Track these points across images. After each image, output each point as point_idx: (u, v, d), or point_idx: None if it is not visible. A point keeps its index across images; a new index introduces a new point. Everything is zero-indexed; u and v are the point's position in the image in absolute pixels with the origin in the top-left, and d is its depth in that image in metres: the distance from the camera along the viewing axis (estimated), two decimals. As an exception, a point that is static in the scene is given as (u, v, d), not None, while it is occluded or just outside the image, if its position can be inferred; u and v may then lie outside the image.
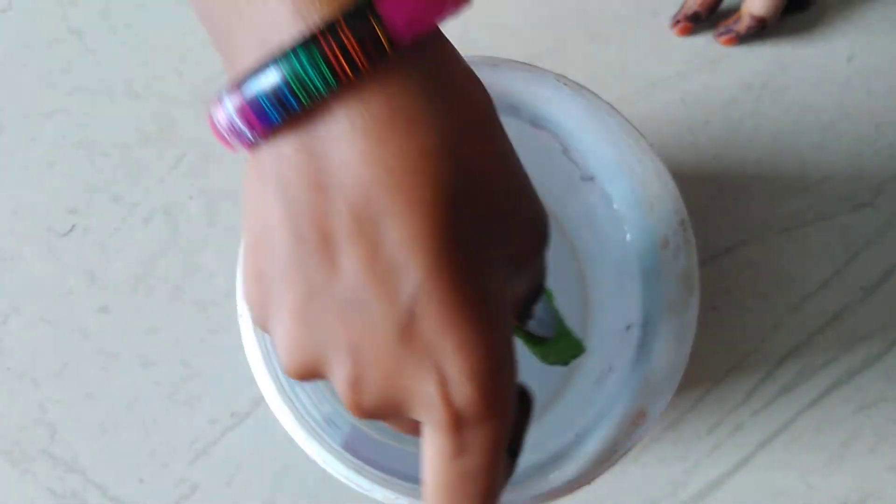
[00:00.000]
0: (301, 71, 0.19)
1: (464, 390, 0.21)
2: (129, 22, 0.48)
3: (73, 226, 0.46)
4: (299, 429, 0.32)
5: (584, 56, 0.48)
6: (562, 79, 0.35)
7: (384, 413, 0.22)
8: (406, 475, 0.35)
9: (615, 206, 0.40)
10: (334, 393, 0.41)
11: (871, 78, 0.48)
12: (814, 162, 0.47)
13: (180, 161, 0.47)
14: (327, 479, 0.34)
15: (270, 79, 0.19)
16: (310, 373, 0.23)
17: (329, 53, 0.19)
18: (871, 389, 0.46)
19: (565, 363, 0.38)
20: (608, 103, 0.35)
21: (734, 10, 0.47)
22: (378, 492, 0.32)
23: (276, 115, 0.19)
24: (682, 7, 0.47)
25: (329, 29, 0.19)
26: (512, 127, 0.39)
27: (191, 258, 0.46)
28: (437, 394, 0.21)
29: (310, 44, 0.19)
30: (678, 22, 0.48)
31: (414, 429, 0.25)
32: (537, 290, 0.26)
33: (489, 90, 0.37)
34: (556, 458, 0.36)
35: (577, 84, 0.35)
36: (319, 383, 0.40)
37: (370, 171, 0.20)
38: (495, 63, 0.34)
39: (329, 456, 0.32)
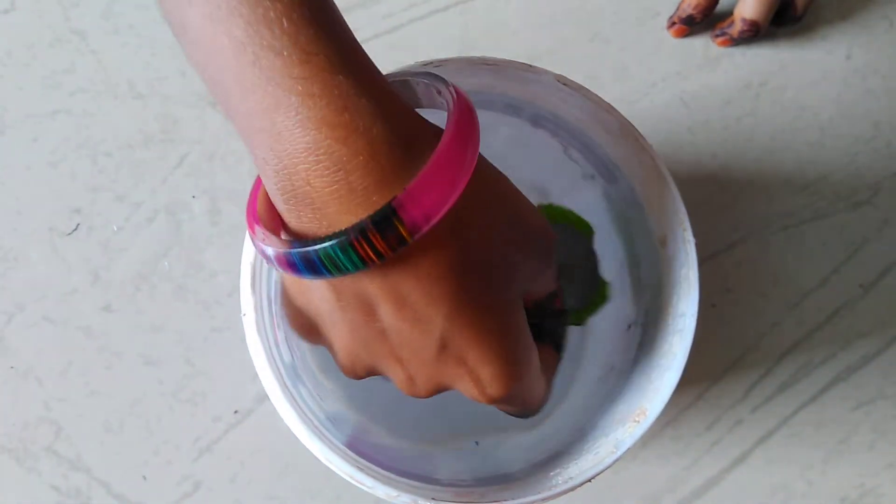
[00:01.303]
0: (334, 257, 0.23)
1: (492, 388, 0.27)
2: (132, 22, 0.48)
3: (77, 225, 0.46)
4: (302, 427, 0.33)
5: (583, 56, 0.48)
6: (562, 79, 0.35)
7: (437, 394, 0.29)
8: (408, 473, 0.35)
9: (615, 204, 0.40)
10: (337, 392, 0.41)
11: (869, 77, 0.48)
12: (812, 160, 0.48)
13: (183, 161, 0.47)
14: (330, 476, 0.34)
15: (307, 256, 0.23)
16: (366, 375, 0.29)
17: (359, 248, 0.23)
18: (869, 386, 0.46)
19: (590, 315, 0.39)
20: (608, 103, 0.35)
21: (730, 13, 0.47)
22: (380, 489, 0.32)
23: (308, 276, 0.24)
24: (677, 9, 0.48)
25: (360, 232, 0.23)
26: (512, 126, 0.40)
27: (194, 257, 0.46)
28: (474, 389, 0.27)
29: (344, 244, 0.23)
30: (673, 24, 0.48)
31: None
32: (553, 291, 0.32)
33: (490, 91, 0.37)
34: (558, 457, 0.36)
35: (577, 84, 0.35)
36: (323, 382, 0.41)
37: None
38: (496, 63, 0.35)
39: (332, 454, 0.32)
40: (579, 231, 0.38)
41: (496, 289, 0.26)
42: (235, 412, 0.46)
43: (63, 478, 0.45)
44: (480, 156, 0.26)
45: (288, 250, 0.24)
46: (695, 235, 0.35)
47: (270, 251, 0.24)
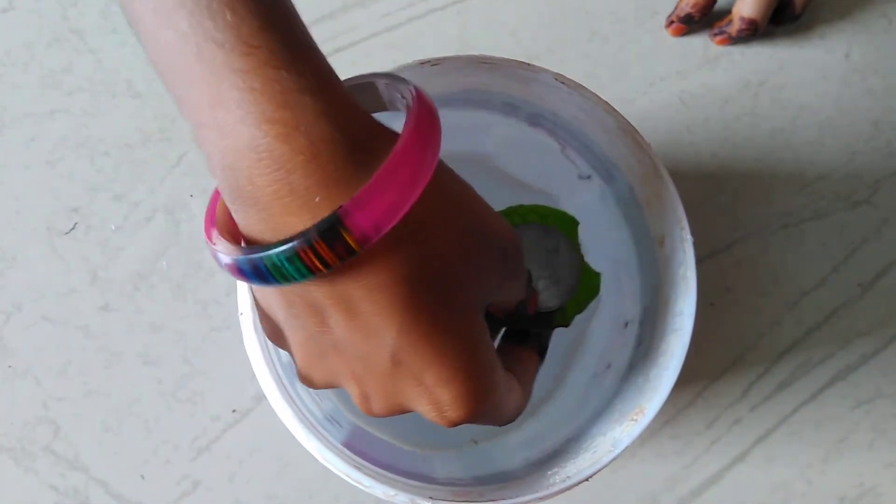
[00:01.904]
0: (280, 266, 0.22)
1: (453, 412, 0.26)
2: (130, 22, 0.48)
3: (75, 225, 0.46)
4: (300, 427, 0.33)
5: (582, 55, 0.48)
6: (560, 78, 0.35)
7: (394, 415, 0.27)
8: (406, 472, 0.35)
9: (613, 203, 0.40)
10: (335, 390, 0.41)
11: (869, 75, 0.48)
12: (811, 160, 0.48)
13: (181, 160, 0.47)
14: (328, 475, 0.34)
15: (254, 264, 0.23)
16: (324, 387, 0.27)
17: (304, 258, 0.22)
18: (868, 386, 0.46)
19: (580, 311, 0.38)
20: (606, 102, 0.35)
21: (728, 12, 0.47)
22: (378, 489, 0.32)
23: (257, 283, 0.23)
24: (676, 8, 0.48)
25: (306, 241, 0.22)
26: (510, 126, 0.40)
27: (192, 257, 0.46)
28: (433, 412, 0.26)
29: (290, 253, 0.22)
30: (672, 23, 0.48)
31: None
32: (523, 298, 0.31)
33: (487, 90, 0.37)
34: (555, 456, 0.36)
35: (576, 83, 0.35)
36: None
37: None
38: (494, 62, 0.35)
39: (330, 453, 0.32)
40: (558, 226, 0.38)
41: (454, 302, 0.25)
42: (234, 411, 0.46)
43: (61, 477, 0.45)
44: (440, 161, 0.25)
45: (235, 257, 0.23)
46: (693, 235, 0.35)
47: (220, 257, 0.24)
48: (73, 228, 0.46)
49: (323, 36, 0.48)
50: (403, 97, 0.25)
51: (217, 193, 0.26)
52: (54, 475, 0.45)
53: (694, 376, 0.46)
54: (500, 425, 0.30)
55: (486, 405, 0.26)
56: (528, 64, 0.35)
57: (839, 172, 0.48)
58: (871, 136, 0.48)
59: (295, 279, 0.23)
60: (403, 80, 0.26)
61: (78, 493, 0.45)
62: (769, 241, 0.47)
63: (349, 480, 0.33)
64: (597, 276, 0.38)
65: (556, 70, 0.35)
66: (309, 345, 0.26)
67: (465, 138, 0.41)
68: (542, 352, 0.34)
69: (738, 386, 0.46)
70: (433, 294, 0.24)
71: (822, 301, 0.47)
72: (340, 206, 0.22)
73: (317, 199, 0.22)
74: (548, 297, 0.36)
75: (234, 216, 0.24)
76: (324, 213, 0.22)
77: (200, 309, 0.46)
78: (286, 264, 0.22)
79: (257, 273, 0.23)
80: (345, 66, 0.47)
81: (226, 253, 0.24)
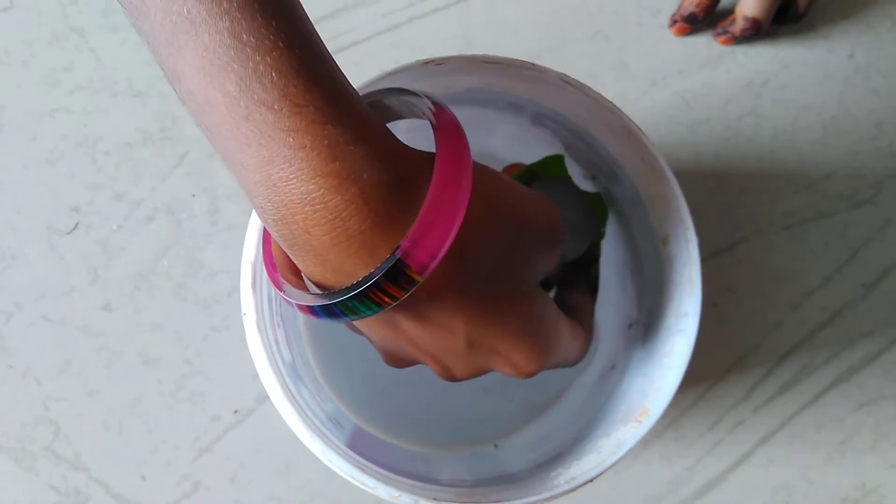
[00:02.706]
0: (352, 306, 0.24)
1: (528, 367, 0.29)
2: (131, 20, 0.48)
3: (76, 224, 0.46)
4: (304, 428, 0.32)
5: (584, 54, 0.48)
6: (564, 77, 0.35)
7: (477, 377, 0.30)
8: (410, 473, 0.35)
9: (617, 204, 0.40)
10: (338, 392, 0.41)
11: (872, 75, 0.48)
12: (814, 160, 0.47)
13: (182, 159, 0.47)
14: (330, 475, 0.34)
15: (327, 308, 0.25)
16: (407, 366, 0.30)
17: (375, 298, 0.24)
18: (871, 386, 0.46)
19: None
20: (610, 102, 0.35)
21: (731, 11, 0.47)
22: (382, 490, 0.32)
23: (327, 319, 0.25)
24: (679, 7, 0.47)
25: (374, 285, 0.24)
26: (514, 125, 0.39)
27: (193, 256, 0.46)
28: (511, 370, 0.29)
29: (360, 296, 0.24)
30: (675, 22, 0.48)
31: None
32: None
33: (491, 89, 0.37)
34: (560, 457, 0.36)
35: (580, 82, 0.35)
36: (322, 383, 0.41)
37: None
38: (497, 62, 0.34)
39: (334, 455, 0.32)
40: (554, 172, 0.39)
41: (510, 288, 0.27)
42: (235, 412, 0.45)
43: (62, 478, 0.45)
44: (475, 165, 0.26)
45: (310, 305, 0.25)
46: (696, 235, 0.35)
47: (293, 301, 0.26)
48: (73, 228, 0.46)
49: (325, 35, 0.47)
50: (423, 113, 0.27)
51: (269, 236, 0.29)
52: (55, 476, 0.45)
53: (696, 378, 0.46)
54: (572, 366, 0.34)
55: (553, 355, 0.30)
56: (533, 64, 0.35)
57: (842, 172, 0.47)
58: (874, 137, 0.48)
59: (365, 314, 0.24)
60: (417, 95, 0.27)
61: (79, 493, 0.45)
62: (772, 242, 0.47)
63: (353, 482, 0.32)
64: (597, 196, 0.39)
65: (558, 69, 0.35)
66: (386, 342, 0.28)
67: (469, 138, 0.41)
68: (593, 288, 0.38)
69: (740, 387, 0.46)
70: (490, 286, 0.26)
71: (826, 302, 0.47)
72: (399, 248, 0.23)
73: (373, 240, 0.24)
74: (576, 247, 0.38)
75: (293, 259, 0.25)
76: (383, 253, 0.24)
77: (201, 309, 0.46)
78: (357, 305, 0.24)
79: (330, 314, 0.25)
80: (347, 66, 0.47)
81: (298, 300, 0.26)
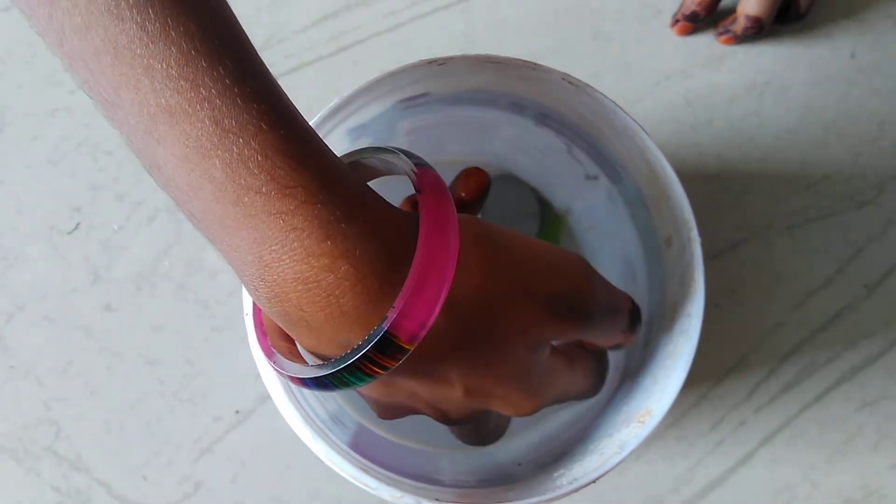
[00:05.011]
0: (342, 378, 0.24)
1: (524, 409, 0.29)
2: (132, 20, 0.48)
3: (77, 224, 0.46)
4: (306, 428, 0.32)
5: (586, 54, 0.48)
6: (566, 77, 0.35)
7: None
8: (412, 473, 0.35)
9: (620, 204, 0.40)
10: (340, 393, 0.41)
11: (874, 76, 0.48)
12: (816, 160, 0.47)
13: (184, 159, 0.47)
14: (331, 476, 0.34)
15: (319, 381, 0.25)
16: (402, 416, 0.30)
17: (365, 369, 0.24)
18: (873, 387, 0.46)
19: None
20: (613, 102, 0.35)
21: (733, 10, 0.47)
22: (384, 490, 0.32)
23: (317, 390, 0.25)
24: (681, 6, 0.47)
25: (364, 357, 0.24)
26: (516, 125, 0.39)
27: (195, 256, 0.46)
28: (508, 411, 0.29)
29: (351, 368, 0.24)
30: (677, 21, 0.48)
31: None
32: (619, 343, 0.33)
33: (494, 89, 0.37)
34: (562, 457, 0.36)
35: (582, 82, 0.35)
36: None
37: None
38: (500, 61, 0.34)
39: (336, 455, 0.32)
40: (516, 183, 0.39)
41: (505, 339, 0.27)
42: (236, 412, 0.45)
43: (63, 478, 0.45)
44: (467, 224, 0.26)
45: (301, 377, 0.25)
46: (699, 235, 0.35)
47: (285, 372, 0.26)
48: (75, 228, 0.46)
49: (327, 35, 0.48)
50: (406, 173, 0.27)
51: (259, 309, 0.29)
52: (56, 476, 0.45)
53: (699, 378, 0.46)
54: (589, 397, 0.34)
55: (552, 392, 0.30)
56: (536, 64, 0.35)
57: (844, 173, 0.47)
58: (876, 137, 0.48)
59: (357, 385, 0.24)
60: (398, 154, 0.27)
61: (80, 493, 0.45)
62: (774, 242, 0.47)
63: (355, 482, 0.32)
64: (548, 205, 0.39)
65: (560, 69, 0.35)
66: (381, 398, 0.28)
67: (471, 138, 0.41)
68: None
69: (742, 387, 0.46)
70: (480, 343, 0.26)
71: (828, 302, 0.47)
72: (386, 318, 0.23)
73: (366, 315, 0.24)
74: None
75: (286, 331, 0.26)
76: (372, 322, 0.24)
77: (202, 309, 0.46)
78: (348, 377, 0.24)
79: (321, 385, 0.25)
80: (348, 65, 0.47)
81: (289, 372, 0.26)
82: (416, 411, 0.29)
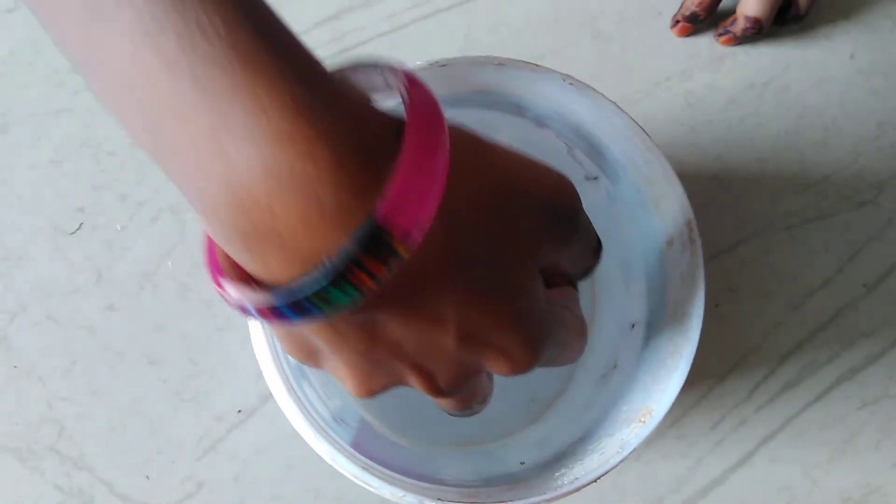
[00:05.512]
0: (325, 295, 0.20)
1: (524, 360, 0.25)
2: (135, 21, 0.48)
3: (81, 224, 0.46)
4: (308, 428, 0.33)
5: (587, 55, 0.48)
6: (567, 78, 0.35)
7: (464, 386, 0.26)
8: (414, 473, 0.35)
9: (620, 205, 0.40)
10: (343, 391, 0.41)
11: (873, 76, 0.48)
12: (816, 160, 0.48)
13: (186, 160, 0.47)
14: (334, 475, 0.34)
15: (296, 302, 0.20)
16: (382, 392, 0.26)
17: (352, 278, 0.20)
18: (873, 386, 0.46)
19: None
20: (614, 103, 0.35)
21: (733, 11, 0.47)
22: (386, 490, 0.32)
23: (297, 320, 0.21)
24: (681, 8, 0.48)
25: (348, 260, 0.20)
26: (517, 126, 0.39)
27: (198, 256, 0.46)
28: (504, 365, 0.25)
29: (334, 277, 0.20)
30: (677, 22, 0.48)
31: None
32: (595, 248, 0.30)
33: (494, 91, 0.37)
34: (562, 457, 0.36)
35: (583, 83, 0.35)
36: (329, 381, 0.41)
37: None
38: (500, 62, 0.35)
39: (338, 455, 0.32)
40: None
41: (507, 269, 0.24)
42: (239, 412, 0.45)
43: (66, 477, 0.45)
44: (462, 129, 0.23)
45: (271, 302, 0.20)
46: (699, 235, 0.35)
47: (249, 305, 0.21)
48: (78, 228, 0.46)
49: (328, 36, 0.48)
50: (388, 83, 0.23)
51: (211, 243, 0.24)
52: (59, 475, 0.45)
53: (699, 377, 0.46)
54: (570, 362, 0.31)
55: (550, 347, 0.27)
56: (536, 65, 0.35)
57: (844, 173, 0.48)
58: (875, 137, 0.48)
59: (345, 305, 0.20)
60: (377, 66, 0.23)
61: (83, 493, 0.45)
62: (774, 242, 0.47)
63: (357, 481, 0.33)
64: None
65: (561, 70, 0.35)
66: (362, 362, 0.24)
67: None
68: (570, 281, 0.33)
69: (743, 387, 0.46)
70: (484, 268, 0.23)
71: (827, 302, 0.47)
72: (375, 210, 0.19)
73: (351, 216, 0.20)
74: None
75: (249, 267, 0.22)
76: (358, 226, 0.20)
77: (205, 309, 0.46)
78: (333, 291, 0.20)
79: (300, 311, 0.20)
80: (350, 66, 0.47)
81: (254, 301, 0.21)
82: (399, 379, 0.25)
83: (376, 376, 0.25)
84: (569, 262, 0.28)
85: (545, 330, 0.26)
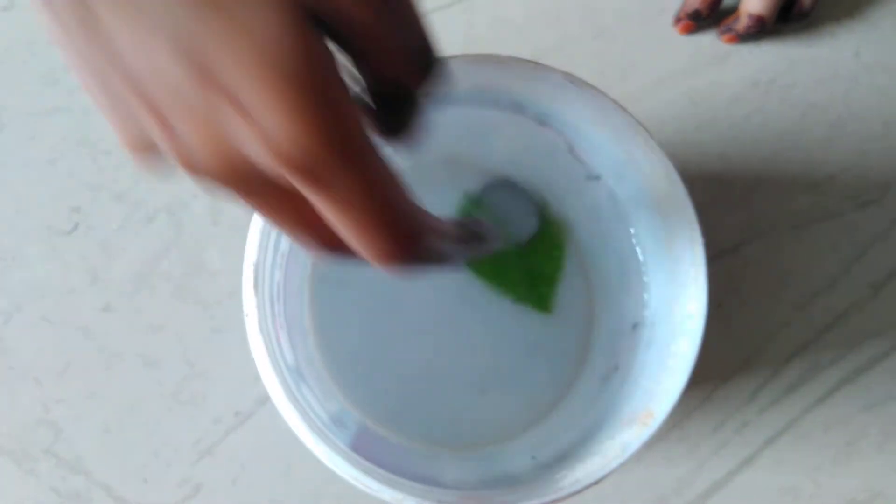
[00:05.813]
0: None
1: (272, 137, 0.18)
2: (132, 19, 0.47)
3: (76, 224, 0.46)
4: (306, 430, 0.32)
5: (589, 53, 0.48)
6: (568, 76, 0.34)
7: (228, 171, 0.19)
8: (413, 475, 0.35)
9: (621, 204, 0.40)
10: (341, 393, 0.41)
11: (879, 74, 0.48)
12: (821, 159, 0.47)
13: (183, 159, 0.46)
14: (332, 477, 0.34)
15: None
16: (144, 150, 0.20)
17: None
18: (878, 388, 0.46)
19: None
20: (615, 101, 0.35)
21: (736, 9, 0.47)
22: (386, 492, 0.32)
23: None
24: (684, 5, 0.47)
25: None
26: (518, 125, 0.39)
27: (194, 257, 0.46)
28: (262, 146, 0.18)
29: None
30: (680, 20, 0.47)
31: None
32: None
33: (495, 89, 0.37)
34: (564, 459, 0.36)
35: (584, 81, 0.34)
36: (328, 383, 0.40)
37: None
38: (501, 60, 0.34)
39: (337, 457, 0.32)
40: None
41: None
42: (236, 414, 0.45)
43: (62, 480, 0.45)
44: None
45: None
46: (702, 235, 0.35)
47: None
48: (74, 228, 0.46)
49: (327, 34, 0.47)
50: None
51: None
52: (55, 478, 0.45)
53: (702, 379, 0.46)
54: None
55: (338, 136, 0.18)
56: (537, 63, 0.35)
57: (849, 172, 0.47)
58: (881, 136, 0.47)
59: None
60: None
61: (79, 496, 0.44)
62: (778, 242, 0.47)
63: (356, 484, 0.32)
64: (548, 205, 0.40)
65: (562, 68, 0.35)
66: (89, 71, 0.19)
67: (472, 138, 0.41)
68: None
69: (746, 388, 0.46)
70: None
71: (832, 302, 0.46)
72: None
73: None
74: (514, 236, 0.40)
75: None
76: None
77: (202, 310, 0.46)
78: None
79: None
80: (349, 65, 0.47)
81: None
82: (145, 128, 0.20)
83: (111, 104, 0.20)
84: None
85: (330, 110, 0.18)
